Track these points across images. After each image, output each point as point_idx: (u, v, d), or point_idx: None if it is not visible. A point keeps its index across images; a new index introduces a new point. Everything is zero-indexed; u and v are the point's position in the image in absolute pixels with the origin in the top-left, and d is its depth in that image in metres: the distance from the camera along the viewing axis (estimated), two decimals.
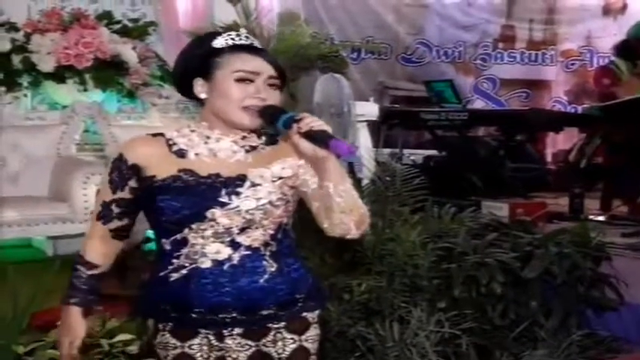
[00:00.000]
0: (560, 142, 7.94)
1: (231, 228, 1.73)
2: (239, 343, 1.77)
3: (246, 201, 1.72)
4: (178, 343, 1.80)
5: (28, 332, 3.05)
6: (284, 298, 1.77)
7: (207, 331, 1.77)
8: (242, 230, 1.73)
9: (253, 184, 1.73)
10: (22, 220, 4.69)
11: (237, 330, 1.77)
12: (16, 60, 5.42)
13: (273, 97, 1.75)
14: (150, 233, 1.87)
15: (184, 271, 1.75)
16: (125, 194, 1.81)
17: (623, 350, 3.44)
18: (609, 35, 8.02)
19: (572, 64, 8.73)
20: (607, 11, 8.72)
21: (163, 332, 1.81)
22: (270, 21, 6.36)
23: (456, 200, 4.24)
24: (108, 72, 5.51)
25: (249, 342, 1.78)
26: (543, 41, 8.84)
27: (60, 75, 5.44)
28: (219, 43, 1.77)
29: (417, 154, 6.39)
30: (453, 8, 8.65)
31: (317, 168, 1.68)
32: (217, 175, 1.74)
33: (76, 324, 1.86)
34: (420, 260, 3.24)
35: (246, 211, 1.72)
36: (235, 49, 1.76)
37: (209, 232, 1.73)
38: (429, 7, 8.65)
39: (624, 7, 8.60)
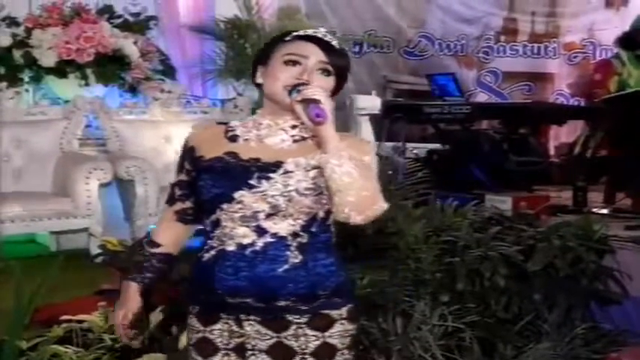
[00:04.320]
0: (563, 135, 7.91)
1: (258, 213, 1.74)
2: (257, 330, 1.77)
3: (274, 186, 1.74)
4: (201, 327, 1.82)
5: (31, 327, 3.05)
6: (303, 291, 1.75)
7: (228, 316, 1.79)
8: (268, 216, 1.74)
9: (286, 171, 1.75)
10: (26, 215, 4.70)
11: (253, 317, 1.77)
12: (17, 55, 5.42)
13: (321, 81, 1.77)
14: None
15: (213, 252, 1.79)
16: (183, 176, 1.87)
17: (627, 343, 3.43)
18: (612, 27, 7.98)
19: (575, 57, 8.69)
20: (609, 3, 8.67)
21: (191, 315, 1.85)
22: (271, 15, 6.36)
23: (459, 194, 4.23)
24: (109, 67, 5.51)
25: (269, 332, 1.77)
26: (546, 34, 8.79)
27: (61, 70, 5.43)
28: (290, 35, 1.82)
29: (420, 148, 6.37)
30: (455, 1, 8.61)
31: (318, 140, 1.71)
32: (257, 160, 1.77)
33: (131, 298, 1.92)
34: (423, 254, 3.24)
35: (271, 196, 1.73)
36: (298, 38, 1.80)
37: (238, 215, 1.75)
38: (431, 0, 8.62)
39: None
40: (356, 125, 3.86)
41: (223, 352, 1.80)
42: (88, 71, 5.46)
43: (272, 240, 1.75)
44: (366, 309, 3.15)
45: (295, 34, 1.81)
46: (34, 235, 5.21)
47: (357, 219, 1.68)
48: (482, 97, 8.37)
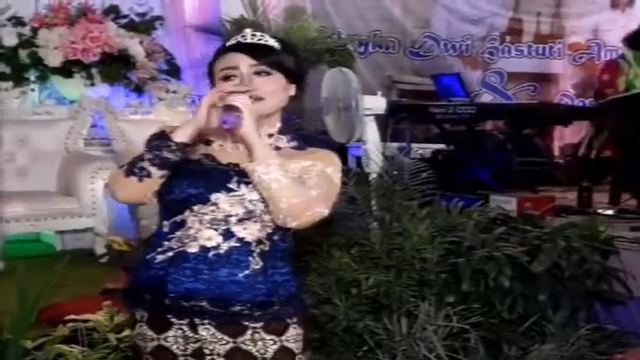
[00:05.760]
0: (567, 136, 7.91)
1: (231, 216, 1.74)
2: (213, 334, 1.76)
3: (253, 191, 1.74)
4: (155, 335, 1.80)
5: (36, 327, 3.05)
6: (260, 298, 1.75)
7: (180, 322, 1.77)
8: (240, 221, 1.75)
9: None
10: (31, 214, 4.71)
11: (208, 321, 1.75)
12: (23, 55, 5.44)
13: (263, 83, 1.79)
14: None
15: (170, 253, 1.76)
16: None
17: (632, 344, 3.43)
18: (617, 28, 7.98)
19: (580, 58, 8.69)
20: (615, 4, 8.67)
21: (141, 323, 1.82)
22: (277, 15, 6.37)
23: (464, 194, 4.23)
24: (115, 66, 5.53)
25: (225, 336, 1.76)
26: (551, 34, 8.79)
27: (67, 69, 5.45)
28: (214, 53, 1.87)
29: (425, 148, 6.38)
30: (460, 1, 8.61)
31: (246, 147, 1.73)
32: (235, 165, 1.78)
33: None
34: (427, 254, 3.24)
35: (250, 201, 1.74)
36: (226, 50, 1.85)
37: (208, 217, 1.75)
38: (437, 1, 8.62)
39: (632, 0, 8.56)
40: (362, 125, 3.86)
41: (182, 358, 1.79)
42: (94, 71, 5.48)
43: (237, 244, 1.75)
44: (372, 309, 3.16)
45: (218, 48, 1.86)
46: (39, 234, 5.23)
47: (292, 224, 1.72)
48: (487, 98, 8.36)
